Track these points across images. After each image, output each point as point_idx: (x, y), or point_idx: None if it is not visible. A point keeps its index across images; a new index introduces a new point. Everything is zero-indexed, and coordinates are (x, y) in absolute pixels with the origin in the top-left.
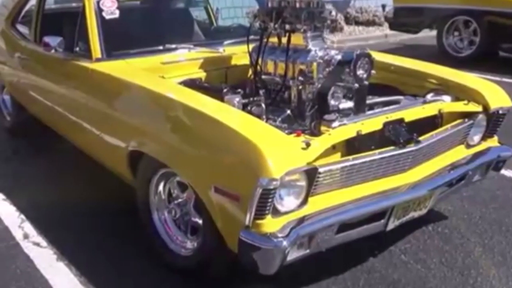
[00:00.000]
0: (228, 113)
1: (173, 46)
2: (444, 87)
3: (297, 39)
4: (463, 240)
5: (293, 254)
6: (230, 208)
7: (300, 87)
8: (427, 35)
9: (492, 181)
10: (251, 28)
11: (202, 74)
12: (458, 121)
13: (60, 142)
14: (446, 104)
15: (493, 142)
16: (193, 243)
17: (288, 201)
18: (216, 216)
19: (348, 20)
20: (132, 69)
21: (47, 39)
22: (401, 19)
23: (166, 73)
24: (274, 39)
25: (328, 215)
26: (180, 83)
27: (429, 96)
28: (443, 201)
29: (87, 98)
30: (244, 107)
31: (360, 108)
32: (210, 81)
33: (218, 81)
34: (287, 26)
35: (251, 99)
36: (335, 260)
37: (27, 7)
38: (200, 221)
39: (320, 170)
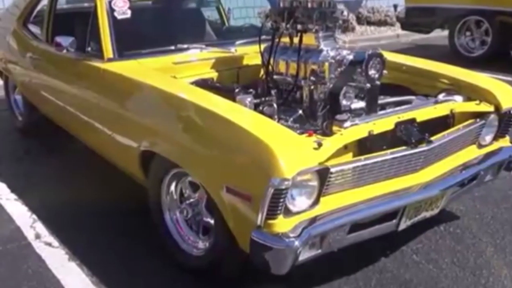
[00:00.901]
0: (240, 113)
1: (185, 46)
2: (456, 87)
3: (308, 39)
4: (475, 240)
5: (305, 254)
6: (242, 208)
7: (312, 87)
8: (439, 35)
9: (504, 181)
10: (263, 28)
11: (213, 74)
12: (470, 121)
13: (72, 142)
14: (458, 104)
15: (505, 142)
16: (204, 243)
17: (300, 201)
18: (227, 216)
19: (360, 20)
20: (144, 69)
21: (58, 39)
22: (413, 19)
23: (178, 73)
24: (285, 39)
25: (340, 215)
26: (192, 83)
27: (441, 96)
28: (455, 201)
29: (99, 98)
30: (255, 107)
31: (371, 108)
32: (222, 81)
33: (230, 81)
34: (299, 26)
35: (263, 99)
36: (347, 260)
37: (38, 7)
38: (212, 221)
39: (332, 170)
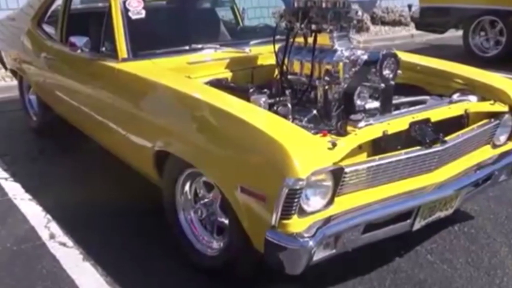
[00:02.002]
0: (254, 113)
1: (199, 46)
2: (470, 87)
3: (323, 39)
4: (489, 240)
5: (319, 254)
6: (256, 208)
7: (326, 87)
8: (453, 35)
9: None
10: (277, 28)
11: (228, 74)
12: (484, 121)
13: (86, 142)
14: (472, 104)
15: None
16: (219, 243)
17: (314, 201)
18: (242, 216)
19: (374, 20)
20: (158, 69)
21: (73, 39)
22: (427, 19)
23: (192, 73)
24: (300, 39)
25: (354, 215)
26: (206, 83)
27: (455, 96)
28: (469, 201)
29: (113, 98)
30: (270, 107)
31: (386, 108)
32: (236, 81)
33: (244, 81)
34: (313, 26)
35: (277, 99)
36: (361, 260)
37: (53, 7)
38: (226, 221)
39: (346, 170)
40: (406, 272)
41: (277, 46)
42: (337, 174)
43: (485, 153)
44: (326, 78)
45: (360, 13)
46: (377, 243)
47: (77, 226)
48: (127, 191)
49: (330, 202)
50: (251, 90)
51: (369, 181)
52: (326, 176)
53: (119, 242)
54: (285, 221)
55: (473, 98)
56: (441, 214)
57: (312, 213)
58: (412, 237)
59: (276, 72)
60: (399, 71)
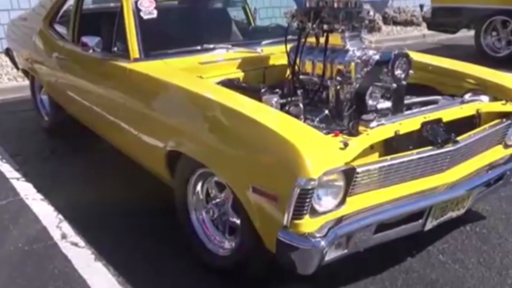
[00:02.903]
0: (266, 113)
1: (211, 46)
2: (482, 87)
3: (335, 39)
4: (501, 240)
5: (331, 254)
6: (268, 208)
7: (338, 87)
8: (465, 35)
9: None
10: (289, 28)
11: (240, 74)
12: (496, 121)
13: (98, 142)
14: (484, 104)
15: None
16: (231, 243)
17: (326, 201)
18: (254, 216)
19: (386, 20)
20: (170, 69)
21: (85, 39)
22: (439, 19)
23: (204, 73)
24: (312, 39)
25: (366, 215)
26: (218, 83)
27: (467, 96)
28: (481, 201)
29: (125, 98)
30: (282, 107)
31: (398, 108)
32: (248, 81)
33: (256, 81)
34: (325, 26)
35: (289, 99)
36: (373, 260)
37: (65, 7)
38: (238, 221)
39: (358, 170)
40: (417, 272)
41: (289, 46)
42: (349, 174)
43: (497, 153)
44: (338, 78)
45: (371, 13)
46: (388, 243)
47: (89, 226)
48: (139, 191)
49: (342, 202)
50: (263, 90)
51: (381, 181)
52: (338, 176)
53: (131, 242)
54: (297, 221)
55: (484, 98)
56: (453, 214)
57: (324, 213)
58: (424, 237)
59: (288, 72)
60: (410, 71)
